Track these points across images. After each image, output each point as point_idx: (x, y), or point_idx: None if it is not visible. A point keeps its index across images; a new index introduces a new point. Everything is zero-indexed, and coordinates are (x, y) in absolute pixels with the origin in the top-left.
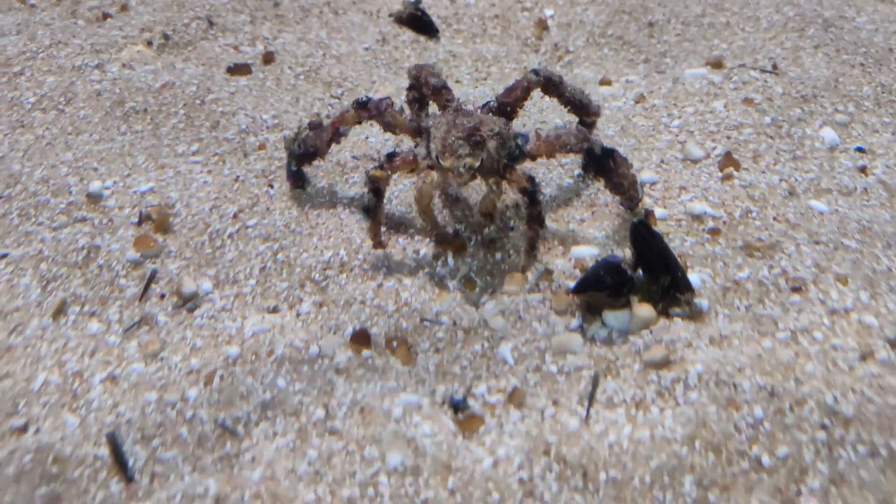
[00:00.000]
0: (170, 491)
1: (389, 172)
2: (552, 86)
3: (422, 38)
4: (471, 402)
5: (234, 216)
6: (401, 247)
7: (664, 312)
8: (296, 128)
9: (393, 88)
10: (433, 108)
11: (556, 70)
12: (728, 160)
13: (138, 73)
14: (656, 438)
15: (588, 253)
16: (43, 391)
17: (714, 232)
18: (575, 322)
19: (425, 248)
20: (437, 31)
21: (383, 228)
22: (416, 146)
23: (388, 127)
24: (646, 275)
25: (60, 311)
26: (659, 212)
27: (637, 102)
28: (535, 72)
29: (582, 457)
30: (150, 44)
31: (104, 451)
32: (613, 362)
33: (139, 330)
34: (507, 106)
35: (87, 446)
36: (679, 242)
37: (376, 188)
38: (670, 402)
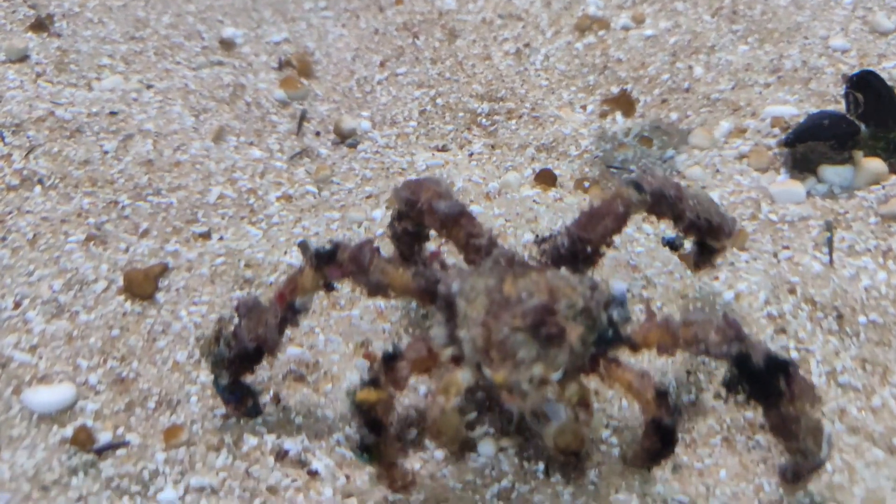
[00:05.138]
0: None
1: (391, 391)
2: (665, 205)
3: None
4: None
5: (381, 65)
6: None
7: (894, 170)
8: (216, 322)
9: None
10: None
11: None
12: None
13: None
14: None
15: (786, 112)
16: (219, 204)
17: None
18: (781, 178)
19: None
20: None
21: (418, 465)
22: (423, 316)
23: (378, 290)
24: (870, 129)
25: (219, 136)
26: None
27: None
28: (637, 185)
29: (834, 299)
30: None
31: (295, 260)
32: (842, 215)
33: (302, 160)
34: (587, 244)
35: (276, 254)
36: None
37: (373, 420)
38: None
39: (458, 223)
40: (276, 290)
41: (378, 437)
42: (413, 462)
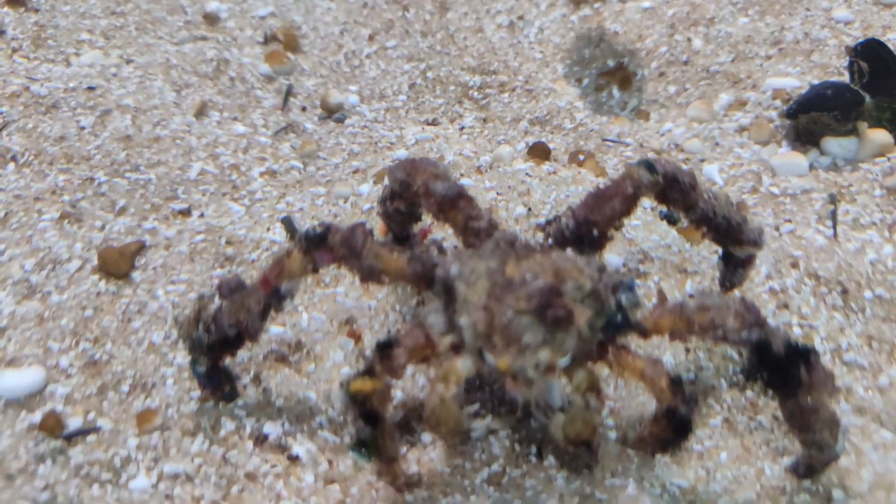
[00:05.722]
0: None
1: (387, 378)
2: (676, 191)
3: None
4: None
5: (370, 38)
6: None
7: None
8: (196, 302)
9: None
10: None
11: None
12: None
13: None
14: None
15: (788, 84)
16: (200, 180)
17: None
18: (783, 150)
19: None
20: None
21: (404, 450)
22: (418, 302)
23: (372, 276)
24: (876, 99)
25: (202, 112)
26: None
27: None
28: (649, 165)
29: (838, 273)
30: None
31: (279, 236)
32: (846, 188)
33: (288, 135)
34: (593, 227)
35: (259, 230)
36: None
37: (368, 411)
38: None
39: (455, 206)
40: (261, 273)
41: (374, 429)
42: (409, 454)
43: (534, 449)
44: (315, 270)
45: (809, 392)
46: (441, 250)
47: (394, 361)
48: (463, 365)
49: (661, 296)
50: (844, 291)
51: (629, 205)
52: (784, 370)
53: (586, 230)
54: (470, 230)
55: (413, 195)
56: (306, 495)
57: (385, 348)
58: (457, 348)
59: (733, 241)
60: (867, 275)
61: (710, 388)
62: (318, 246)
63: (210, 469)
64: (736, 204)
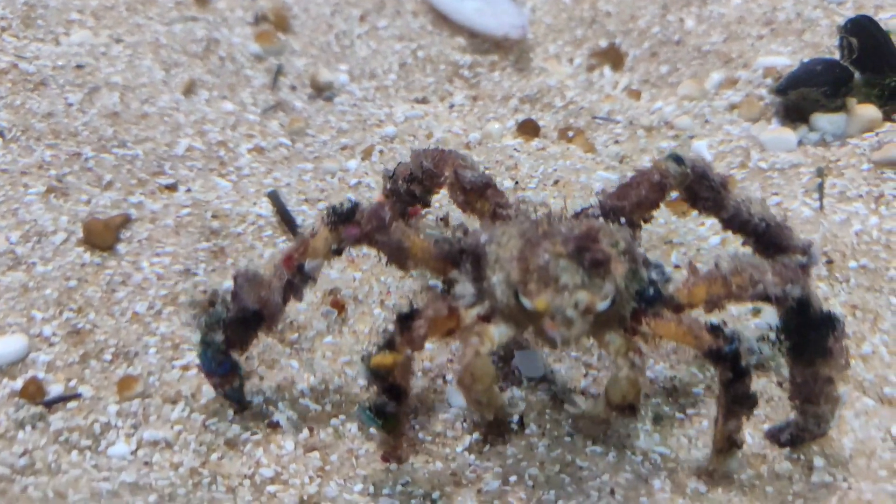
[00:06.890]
0: None
1: (409, 352)
2: (705, 188)
3: None
4: None
5: (361, 18)
6: None
7: (888, 117)
8: (210, 293)
9: None
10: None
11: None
12: None
13: None
14: None
15: (779, 62)
16: (188, 156)
17: None
18: (772, 126)
19: None
20: None
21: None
22: (443, 285)
23: (398, 255)
24: (865, 76)
25: (190, 90)
26: None
27: None
28: (676, 158)
29: (824, 244)
30: None
31: (265, 210)
32: (834, 162)
33: (276, 113)
34: (620, 214)
35: (245, 205)
36: None
37: (390, 386)
38: None
39: (483, 195)
40: (284, 252)
41: (399, 404)
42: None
43: (515, 417)
44: (338, 252)
45: (829, 363)
46: (466, 233)
47: (414, 333)
48: (495, 331)
49: (693, 267)
50: (829, 261)
51: (656, 194)
52: (817, 334)
53: (613, 218)
54: (498, 217)
55: (436, 184)
56: (286, 462)
57: (405, 320)
58: (486, 319)
59: (779, 248)
60: (852, 245)
61: (692, 358)
62: (346, 222)
63: (190, 436)
64: (762, 203)
